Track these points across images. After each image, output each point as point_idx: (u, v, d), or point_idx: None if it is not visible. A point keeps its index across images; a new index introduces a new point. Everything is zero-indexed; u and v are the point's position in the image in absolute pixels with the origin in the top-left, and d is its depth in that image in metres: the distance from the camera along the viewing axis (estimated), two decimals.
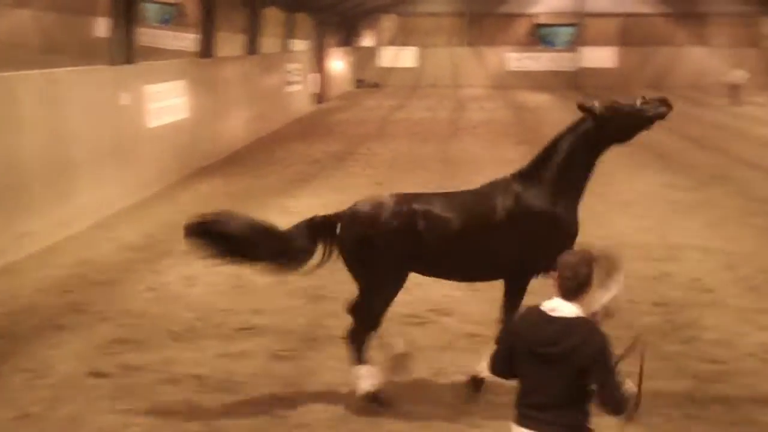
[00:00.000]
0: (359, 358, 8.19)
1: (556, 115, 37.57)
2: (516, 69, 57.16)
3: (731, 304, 11.45)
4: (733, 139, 29.12)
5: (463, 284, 11.84)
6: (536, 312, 5.02)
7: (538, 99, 47.17)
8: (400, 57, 57.72)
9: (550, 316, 4.93)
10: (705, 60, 56.06)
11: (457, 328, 10.42)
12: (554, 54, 57.43)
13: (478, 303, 11.40)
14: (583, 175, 8.09)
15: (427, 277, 8.55)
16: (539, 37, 57.73)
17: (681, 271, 13.08)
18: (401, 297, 11.61)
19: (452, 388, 8.74)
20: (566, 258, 5.03)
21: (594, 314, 5.13)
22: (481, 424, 7.95)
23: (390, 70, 57.47)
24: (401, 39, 58.09)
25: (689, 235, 15.36)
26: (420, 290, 12.03)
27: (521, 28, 57.59)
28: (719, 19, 56.05)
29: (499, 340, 5.27)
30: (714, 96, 47.19)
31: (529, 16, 57.29)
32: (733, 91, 41.93)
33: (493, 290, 11.47)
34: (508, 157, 24.83)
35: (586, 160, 8.06)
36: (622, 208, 17.80)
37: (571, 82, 55.70)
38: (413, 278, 12.45)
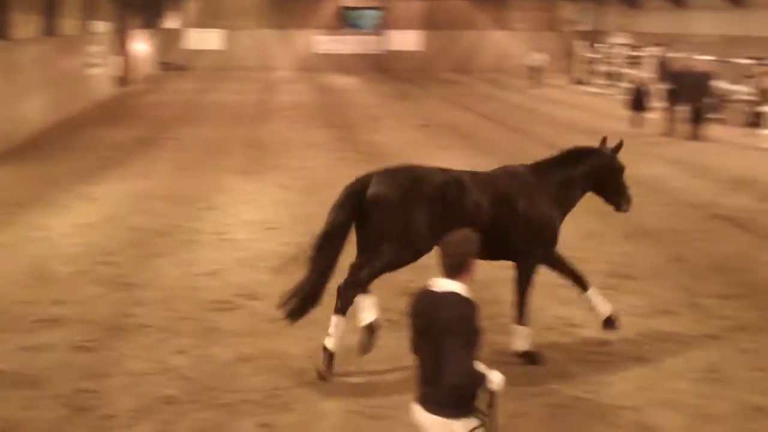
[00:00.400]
0: (342, 309, 8.44)
1: (363, 98, 38.05)
2: (323, 52, 57.28)
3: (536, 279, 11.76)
4: (534, 120, 30.09)
5: (270, 268, 11.86)
6: (423, 289, 5.14)
7: (346, 82, 47.52)
8: (207, 39, 56.83)
9: (431, 290, 5.06)
10: (507, 43, 57.77)
11: (265, 312, 10.33)
12: (361, 37, 57.86)
13: (286, 286, 11.32)
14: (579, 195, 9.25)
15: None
16: (346, 20, 58.04)
17: None
18: (208, 282, 11.54)
19: (258, 373, 8.66)
20: (448, 238, 5.13)
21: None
22: (291, 407, 7.92)
23: (197, 53, 56.54)
24: (207, 21, 57.16)
25: None
26: (228, 274, 11.91)
27: (328, 11, 57.71)
28: (520, 4, 57.82)
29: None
30: (516, 78, 48.70)
31: None
32: (534, 73, 43.33)
33: (301, 274, 11.49)
34: (317, 141, 25.01)
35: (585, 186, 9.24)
36: None
37: (378, 65, 56.34)
38: (222, 261, 12.37)
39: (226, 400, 8.06)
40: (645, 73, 27.64)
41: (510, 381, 5.41)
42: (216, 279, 11.80)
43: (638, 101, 27.67)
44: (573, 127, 28.00)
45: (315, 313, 8.73)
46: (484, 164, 20.66)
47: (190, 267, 12.34)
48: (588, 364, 8.97)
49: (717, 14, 43.48)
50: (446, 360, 4.83)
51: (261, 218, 15.49)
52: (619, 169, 9.33)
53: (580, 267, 12.22)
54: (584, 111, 33.04)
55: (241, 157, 22.13)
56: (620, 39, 50.66)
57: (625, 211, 9.60)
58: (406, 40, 57.43)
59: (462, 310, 4.94)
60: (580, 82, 46.35)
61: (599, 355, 9.20)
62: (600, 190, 9.38)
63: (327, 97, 39.24)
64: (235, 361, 8.99)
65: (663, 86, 27.19)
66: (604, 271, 12.22)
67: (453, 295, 4.98)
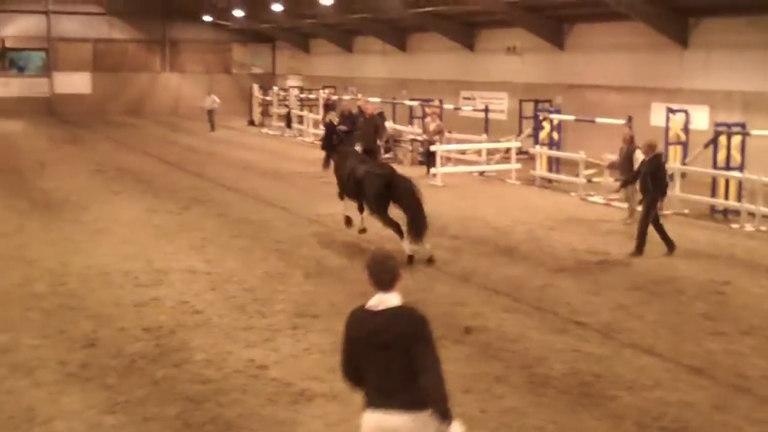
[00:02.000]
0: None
1: (32, 144, 36.34)
2: None
3: (219, 323, 11.68)
4: (212, 162, 30.01)
5: None
6: (362, 311, 5.67)
7: (11, 127, 44.92)
8: None
9: (377, 310, 5.56)
10: (181, 86, 57.37)
11: None
12: (26, 79, 55.04)
13: None
14: None
15: None
16: (10, 61, 55.23)
17: (169, 294, 13.14)
18: None
19: None
20: (375, 259, 5.70)
21: None
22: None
23: None
24: None
25: (174, 259, 15.49)
26: None
27: None
28: (193, 47, 57.60)
29: (342, 345, 5.76)
30: (192, 121, 48.49)
31: None
32: (209, 116, 43.36)
33: None
34: None
35: None
36: (103, 235, 17.58)
37: (46, 108, 53.96)
38: None
39: None
40: (333, 115, 28.26)
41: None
42: None
43: (329, 141, 27.90)
44: (251, 169, 28.19)
45: None
46: (164, 208, 20.53)
47: None
48: (281, 405, 8.91)
49: (383, 59, 45.44)
50: (425, 364, 5.39)
51: None
52: None
53: (264, 309, 12.33)
54: (262, 152, 33.42)
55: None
56: (293, 82, 52.19)
57: None
58: (74, 83, 55.40)
59: (423, 318, 5.53)
60: (256, 124, 47.04)
61: (292, 396, 9.17)
62: None
63: None
64: None
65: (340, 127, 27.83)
66: (288, 311, 12.26)
67: (407, 308, 5.58)
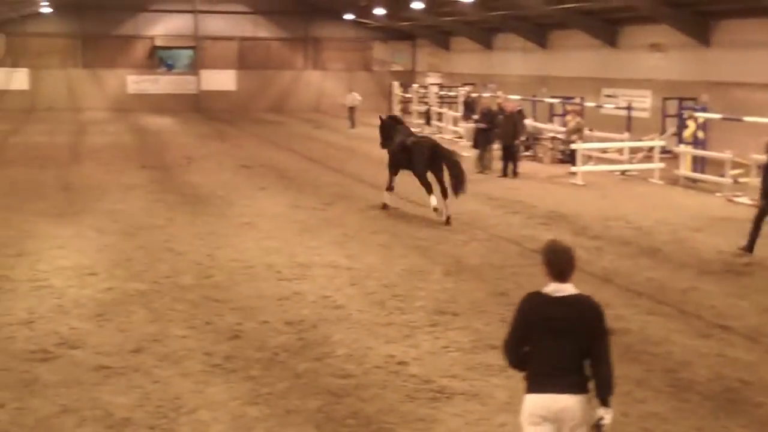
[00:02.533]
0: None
1: (180, 139, 37.51)
2: (136, 92, 56.12)
3: (359, 318, 11.80)
4: (352, 159, 30.31)
5: (93, 316, 11.46)
6: (540, 296, 5.92)
7: (161, 122, 46.72)
8: (11, 79, 54.71)
9: (556, 296, 5.85)
10: (323, 83, 58.27)
11: (86, 361, 9.95)
12: (175, 77, 57.01)
13: (108, 334, 10.98)
14: None
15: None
16: (159, 59, 57.17)
17: (311, 289, 13.33)
18: (24, 331, 11.01)
19: (82, 425, 8.31)
20: (555, 250, 5.94)
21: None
22: None
23: (0, 93, 54.39)
24: (11, 60, 55.04)
25: (316, 253, 15.68)
26: (45, 323, 11.42)
27: (141, 50, 56.64)
28: (335, 45, 58.42)
29: (513, 326, 6.05)
30: (333, 118, 49.16)
31: (148, 38, 56.51)
32: (350, 113, 43.78)
33: (123, 321, 11.16)
34: (132, 183, 24.35)
35: None
36: (248, 230, 17.86)
37: (193, 104, 55.70)
38: (38, 310, 11.83)
39: None
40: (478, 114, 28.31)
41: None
42: (32, 328, 11.29)
43: (479, 139, 27.89)
44: None
45: (140, 362, 8.40)
46: (306, 203, 20.86)
47: (3, 317, 11.74)
48: (420, 402, 8.97)
49: (523, 56, 45.10)
50: (601, 354, 5.80)
51: (77, 263, 14.88)
52: None
53: (403, 305, 12.43)
54: None
55: (53, 200, 21.34)
56: (433, 79, 52.32)
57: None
58: (220, 80, 57.01)
59: (600, 307, 5.90)
60: None
61: (431, 393, 9.22)
62: None
63: (142, 138, 38.44)
64: (57, 413, 8.59)
65: (477, 125, 27.81)
66: (428, 308, 12.31)
67: (585, 297, 5.91)
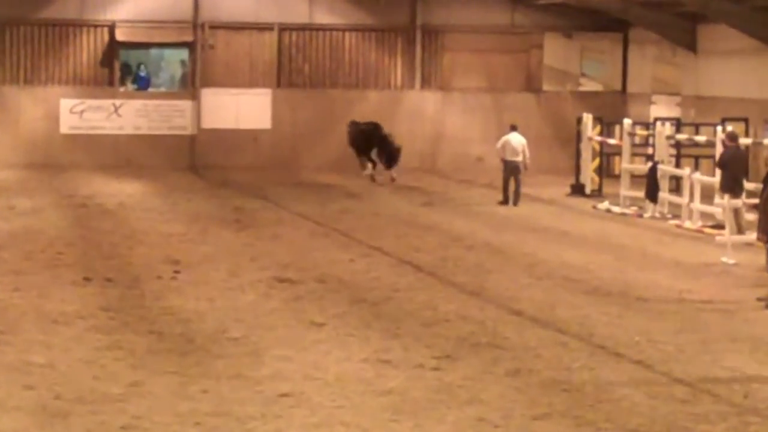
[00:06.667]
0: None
1: (160, 226, 24.20)
2: (77, 130, 35.97)
3: None
4: (498, 267, 19.60)
5: None
6: None
7: (122, 191, 30.52)
8: None
9: None
10: (443, 114, 35.11)
11: None
12: (153, 102, 32.86)
13: None
14: None
15: None
16: (123, 67, 36.67)
17: None
18: None
19: None
20: None
21: None
22: None
23: None
24: None
25: None
26: None
27: (88, 49, 34.86)
28: (466, 39, 40.39)
29: None
30: (462, 184, 32.56)
31: (103, 25, 34.82)
32: (507, 173, 27.95)
33: None
34: (65, 310, 15.54)
35: None
36: (289, 408, 11.34)
37: (186, 155, 32.53)
38: None
39: None
40: None
41: None
42: None
43: None
44: (576, 283, 18.81)
45: None
46: (403, 356, 12.14)
47: None
48: None
49: None
50: None
51: None
52: None
53: None
54: (598, 250, 21.27)
55: None
56: (662, 108, 34.27)
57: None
58: (240, 109, 36.07)
59: None
60: (586, 193, 30.37)
61: None
62: None
63: (85, 222, 25.14)
64: None
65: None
66: None
67: None
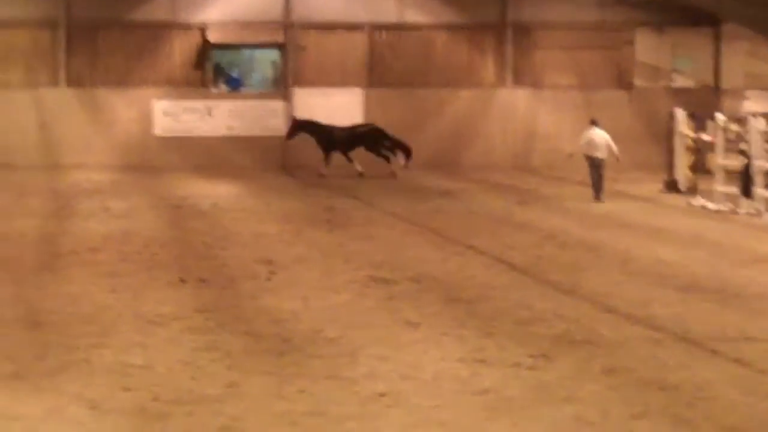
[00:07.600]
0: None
1: (254, 226, 24.19)
2: (170, 132, 36.84)
3: None
4: (592, 265, 18.90)
5: None
6: None
7: (217, 192, 31.15)
8: None
9: None
10: (536, 112, 38.26)
11: None
12: (246, 103, 37.91)
13: None
14: None
15: None
16: (216, 69, 38.32)
17: None
18: None
19: None
20: None
21: None
22: None
23: None
24: None
25: None
26: None
27: (180, 51, 37.15)
28: (557, 36, 37.89)
29: None
30: (555, 181, 32.01)
31: (195, 28, 37.00)
32: (593, 170, 26.09)
33: None
34: (161, 311, 15.42)
35: None
36: (384, 409, 11.20)
37: (279, 156, 37.02)
38: None
39: None
40: None
41: None
42: None
43: None
44: (671, 279, 18.27)
45: None
46: (499, 355, 11.82)
47: None
48: None
49: None
50: None
51: None
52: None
53: None
54: (693, 247, 20.48)
55: (9, 346, 13.54)
56: (756, 103, 35.95)
57: None
58: (332, 108, 35.81)
59: None
60: (681, 189, 30.33)
61: None
62: None
63: (180, 224, 25.29)
64: None
65: None
66: None
67: None
